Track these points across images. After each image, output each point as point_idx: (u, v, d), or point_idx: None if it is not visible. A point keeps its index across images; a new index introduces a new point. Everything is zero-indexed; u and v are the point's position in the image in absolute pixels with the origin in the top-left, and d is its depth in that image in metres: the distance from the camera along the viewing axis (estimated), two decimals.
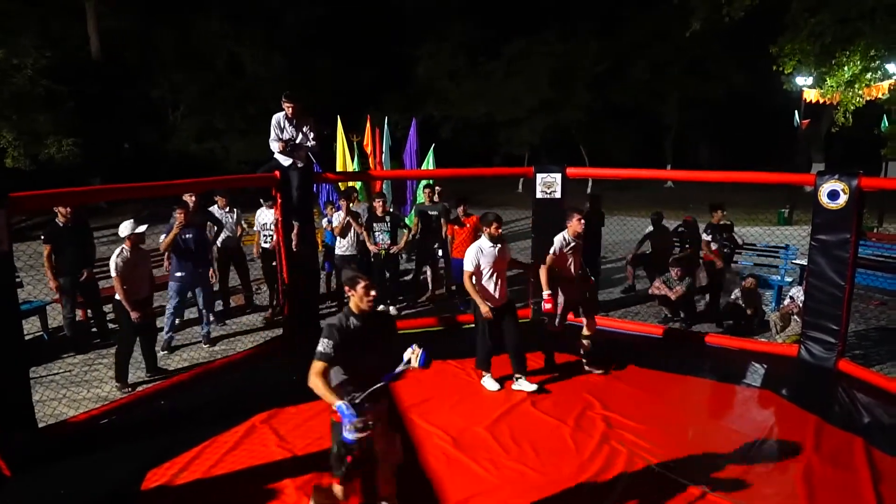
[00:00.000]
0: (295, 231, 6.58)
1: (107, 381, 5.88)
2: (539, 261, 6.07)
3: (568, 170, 7.30)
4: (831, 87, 11.91)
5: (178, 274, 6.54)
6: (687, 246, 8.88)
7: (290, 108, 6.28)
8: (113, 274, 5.49)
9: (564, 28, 23.93)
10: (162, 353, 6.50)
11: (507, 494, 3.99)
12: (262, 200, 7.92)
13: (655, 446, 4.52)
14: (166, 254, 6.79)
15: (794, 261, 8.45)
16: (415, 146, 10.89)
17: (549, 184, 7.35)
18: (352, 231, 7.79)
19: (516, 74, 23.97)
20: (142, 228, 5.66)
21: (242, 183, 8.10)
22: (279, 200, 6.55)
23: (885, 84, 11.61)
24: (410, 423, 4.94)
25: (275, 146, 6.34)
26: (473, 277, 5.41)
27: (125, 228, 5.60)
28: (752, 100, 25.29)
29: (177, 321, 6.95)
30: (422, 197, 9.41)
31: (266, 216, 7.76)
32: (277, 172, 6.40)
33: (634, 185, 24.71)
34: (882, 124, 15.12)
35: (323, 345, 3.18)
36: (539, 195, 7.40)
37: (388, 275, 8.01)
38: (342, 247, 7.86)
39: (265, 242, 7.81)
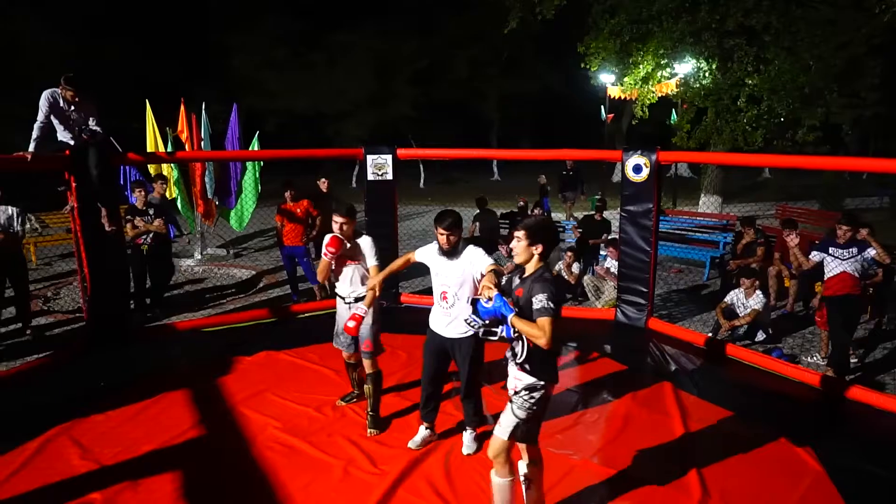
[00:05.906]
0: (104, 214, 5.80)
1: None
2: None
3: (398, 151, 7.27)
4: (630, 83, 13.17)
5: None
6: None
7: (72, 94, 5.51)
8: None
9: (383, 23, 23.94)
10: None
11: (346, 474, 3.81)
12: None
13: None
14: None
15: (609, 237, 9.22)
16: (237, 133, 10.16)
17: (380, 165, 7.26)
18: None
19: (340, 67, 23.57)
20: None
21: (18, 165, 5.48)
22: (73, 184, 5.70)
23: (673, 81, 13.13)
24: (242, 417, 4.55)
25: (36, 130, 5.44)
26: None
27: None
28: (566, 97, 27.41)
29: None
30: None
31: None
32: (67, 151, 5.56)
33: (463, 180, 25.68)
34: (672, 117, 17.09)
35: None
36: (371, 177, 7.28)
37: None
38: None
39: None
